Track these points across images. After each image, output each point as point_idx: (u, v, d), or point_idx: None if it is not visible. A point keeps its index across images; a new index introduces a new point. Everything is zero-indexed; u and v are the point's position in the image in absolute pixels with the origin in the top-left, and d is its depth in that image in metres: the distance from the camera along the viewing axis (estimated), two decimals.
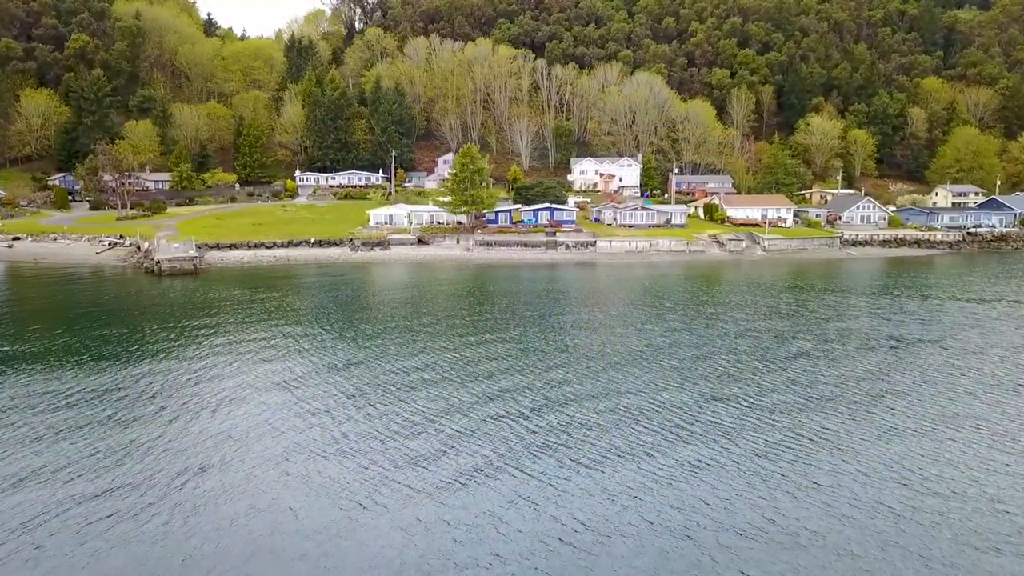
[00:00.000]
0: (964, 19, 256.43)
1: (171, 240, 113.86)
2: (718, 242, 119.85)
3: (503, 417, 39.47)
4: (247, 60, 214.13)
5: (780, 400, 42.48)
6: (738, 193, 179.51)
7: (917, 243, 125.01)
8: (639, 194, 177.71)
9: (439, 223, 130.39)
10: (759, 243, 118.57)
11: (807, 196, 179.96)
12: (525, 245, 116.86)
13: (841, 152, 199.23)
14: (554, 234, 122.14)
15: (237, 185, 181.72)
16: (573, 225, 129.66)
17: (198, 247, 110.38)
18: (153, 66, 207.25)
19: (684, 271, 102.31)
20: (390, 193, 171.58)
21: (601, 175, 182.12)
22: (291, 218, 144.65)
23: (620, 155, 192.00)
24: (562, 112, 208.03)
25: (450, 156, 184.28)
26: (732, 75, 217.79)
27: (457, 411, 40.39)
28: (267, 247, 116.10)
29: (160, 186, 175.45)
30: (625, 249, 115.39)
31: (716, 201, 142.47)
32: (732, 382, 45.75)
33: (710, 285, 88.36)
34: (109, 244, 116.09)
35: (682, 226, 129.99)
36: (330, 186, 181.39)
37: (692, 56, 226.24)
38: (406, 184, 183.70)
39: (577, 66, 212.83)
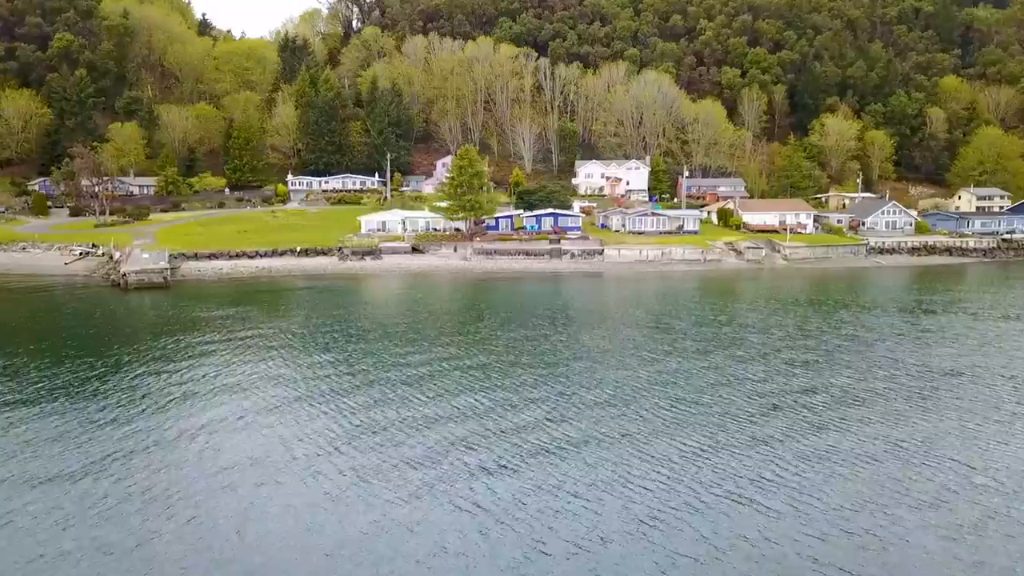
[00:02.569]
0: (981, 17, 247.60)
1: (146, 249, 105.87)
2: (735, 250, 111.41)
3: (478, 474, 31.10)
4: (239, 60, 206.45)
5: (822, 470, 33.83)
6: (751, 197, 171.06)
7: (948, 251, 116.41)
8: (647, 198, 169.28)
9: (436, 230, 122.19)
10: (779, 251, 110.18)
11: (824, 200, 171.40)
12: (527, 254, 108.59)
13: (858, 154, 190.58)
14: (558, 241, 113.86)
15: (227, 190, 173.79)
16: (578, 232, 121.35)
17: (174, 257, 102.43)
18: (141, 66, 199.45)
19: (699, 284, 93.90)
20: (386, 198, 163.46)
21: (607, 178, 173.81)
22: (280, 225, 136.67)
23: (627, 157, 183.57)
24: (566, 113, 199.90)
25: (449, 159, 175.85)
26: (743, 74, 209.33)
27: (426, 467, 32.02)
28: (249, 256, 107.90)
29: (145, 191, 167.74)
30: (635, 258, 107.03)
31: (731, 206, 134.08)
32: (756, 439, 36.90)
33: (728, 301, 79.83)
34: (80, 254, 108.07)
35: (695, 232, 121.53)
36: (323, 191, 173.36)
37: (701, 55, 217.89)
38: (403, 188, 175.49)
39: (582, 65, 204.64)
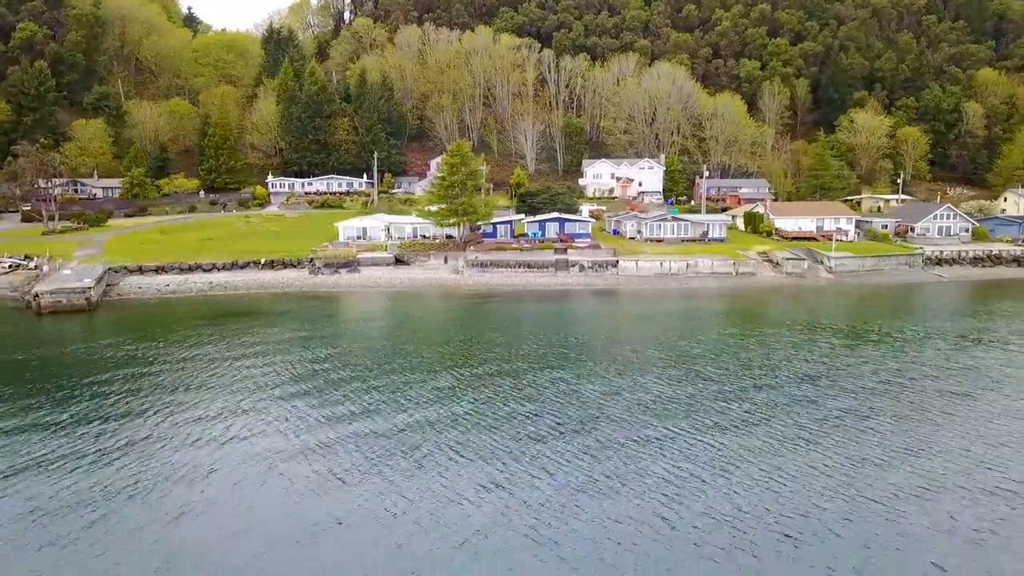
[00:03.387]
0: (1016, 8, 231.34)
1: (83, 261, 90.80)
2: (771, 261, 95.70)
3: None
4: (219, 53, 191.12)
5: None
6: (776, 199, 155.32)
7: (1016, 261, 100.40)
8: (662, 201, 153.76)
9: (424, 237, 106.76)
10: (823, 263, 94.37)
11: (856, 203, 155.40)
12: (529, 266, 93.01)
13: (890, 152, 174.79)
14: (565, 251, 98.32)
15: (202, 192, 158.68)
16: (588, 239, 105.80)
17: (114, 271, 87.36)
18: (113, 59, 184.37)
19: (731, 304, 78.31)
20: (373, 201, 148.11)
21: (618, 179, 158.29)
22: (251, 231, 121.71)
23: (639, 156, 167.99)
24: (572, 108, 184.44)
25: (442, 158, 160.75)
26: (763, 67, 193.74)
27: None
28: (205, 270, 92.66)
29: (110, 194, 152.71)
30: (655, 271, 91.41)
31: (760, 210, 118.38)
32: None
33: (769, 329, 63.98)
34: (9, 267, 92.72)
35: (722, 240, 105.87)
36: (306, 193, 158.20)
37: (717, 47, 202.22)
38: (393, 191, 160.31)
39: (589, 57, 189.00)
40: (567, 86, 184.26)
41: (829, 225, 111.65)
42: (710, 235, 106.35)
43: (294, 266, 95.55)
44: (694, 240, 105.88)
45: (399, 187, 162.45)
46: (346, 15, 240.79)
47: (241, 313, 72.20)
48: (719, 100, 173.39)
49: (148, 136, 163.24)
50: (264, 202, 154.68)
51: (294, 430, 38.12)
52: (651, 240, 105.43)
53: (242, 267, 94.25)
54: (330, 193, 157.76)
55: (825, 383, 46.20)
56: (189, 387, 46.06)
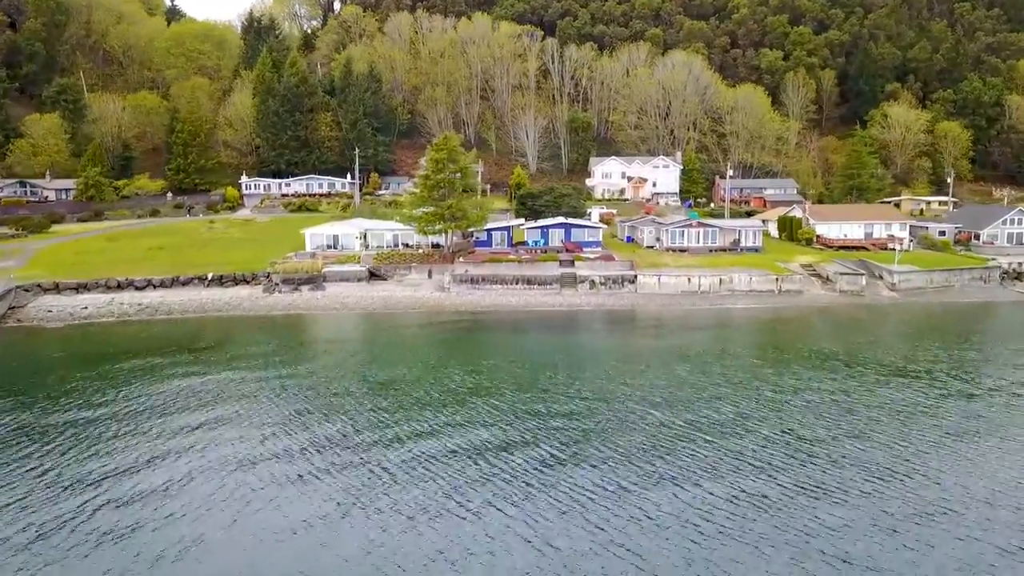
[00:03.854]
0: None
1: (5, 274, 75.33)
2: (820, 276, 79.72)
3: None
4: (193, 43, 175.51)
5: None
6: (805, 201, 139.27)
7: None
8: (678, 202, 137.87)
9: (407, 246, 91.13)
10: (883, 278, 78.34)
11: (895, 205, 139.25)
12: (529, 282, 77.20)
13: (928, 149, 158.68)
14: (571, 263, 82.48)
15: (169, 194, 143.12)
16: (599, 249, 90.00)
17: (24, 289, 71.65)
18: (76, 49, 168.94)
19: (781, 336, 62.41)
20: (355, 203, 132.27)
21: (630, 179, 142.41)
22: (211, 239, 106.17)
23: (652, 154, 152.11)
24: (578, 102, 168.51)
25: None
26: (785, 57, 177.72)
27: None
28: (138, 287, 77.04)
29: (65, 196, 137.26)
30: (681, 288, 75.56)
31: (797, 213, 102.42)
32: None
33: (846, 380, 47.82)
34: None
35: (756, 250, 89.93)
36: (283, 195, 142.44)
37: (734, 36, 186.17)
38: (380, 192, 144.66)
39: (596, 47, 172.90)
40: (572, 78, 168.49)
41: (879, 232, 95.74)
42: (742, 244, 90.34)
43: (247, 282, 79.81)
44: (723, 250, 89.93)
45: (386, 188, 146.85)
46: (336, 4, 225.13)
47: (163, 347, 56.32)
48: (739, 92, 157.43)
49: (110, 132, 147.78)
50: (235, 205, 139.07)
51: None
52: (673, 250, 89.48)
53: (184, 284, 78.50)
54: (309, 195, 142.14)
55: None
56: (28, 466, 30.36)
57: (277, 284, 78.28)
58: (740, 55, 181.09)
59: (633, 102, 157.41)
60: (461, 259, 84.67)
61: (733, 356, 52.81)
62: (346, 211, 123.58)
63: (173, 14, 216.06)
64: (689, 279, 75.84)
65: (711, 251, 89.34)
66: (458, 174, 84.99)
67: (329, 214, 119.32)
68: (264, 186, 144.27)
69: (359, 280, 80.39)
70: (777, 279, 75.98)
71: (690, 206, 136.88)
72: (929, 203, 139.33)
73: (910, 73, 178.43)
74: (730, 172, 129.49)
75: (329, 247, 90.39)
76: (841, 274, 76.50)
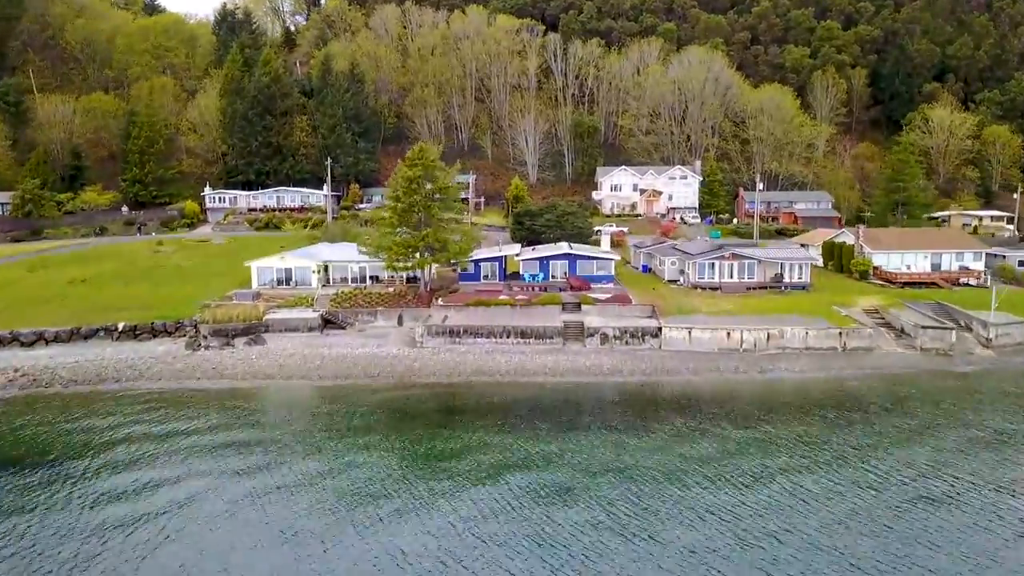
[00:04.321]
0: None
1: None
2: (891, 327, 62.96)
3: None
4: (160, 38, 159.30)
5: None
6: (842, 218, 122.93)
7: None
8: (697, 218, 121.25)
9: (377, 280, 74.82)
10: (971, 330, 61.58)
11: (943, 221, 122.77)
12: (523, 335, 60.65)
13: (974, 156, 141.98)
14: (578, 307, 65.95)
15: (125, 208, 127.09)
16: (611, 285, 73.54)
17: None
18: (28, 46, 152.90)
19: (853, 424, 45.84)
20: (328, 221, 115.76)
21: (642, 192, 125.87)
22: (152, 266, 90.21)
23: (667, 163, 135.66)
24: (583, 104, 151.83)
25: None
26: (812, 54, 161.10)
27: None
28: (24, 342, 60.67)
29: (2, 211, 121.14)
30: (719, 345, 59.02)
31: (848, 239, 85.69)
32: None
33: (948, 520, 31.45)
34: None
35: (804, 287, 73.24)
36: (250, 209, 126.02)
37: (755, 31, 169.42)
38: (360, 206, 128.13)
39: (603, 43, 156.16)
40: (577, 77, 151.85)
41: (948, 263, 79.10)
42: (786, 279, 73.67)
43: (168, 333, 63.34)
44: (763, 287, 73.28)
45: (368, 201, 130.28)
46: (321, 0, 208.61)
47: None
48: (764, 93, 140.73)
49: (58, 139, 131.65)
50: (195, 221, 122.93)
51: None
52: (701, 287, 72.85)
53: (87, 337, 62.07)
54: (279, 209, 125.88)
55: None
56: None
57: (205, 337, 61.87)
58: (762, 52, 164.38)
59: (645, 104, 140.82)
60: (441, 300, 68.16)
61: (817, 497, 36.24)
62: (317, 230, 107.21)
63: (152, 10, 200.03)
64: (729, 334, 59.16)
65: (748, 289, 72.64)
66: (437, 195, 68.37)
67: (294, 235, 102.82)
68: (230, 199, 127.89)
69: (310, 330, 63.89)
70: (841, 334, 59.19)
71: (711, 223, 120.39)
72: (981, 219, 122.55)
73: (950, 72, 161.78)
74: (760, 184, 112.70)
75: (281, 282, 73.95)
76: (923, 327, 59.63)
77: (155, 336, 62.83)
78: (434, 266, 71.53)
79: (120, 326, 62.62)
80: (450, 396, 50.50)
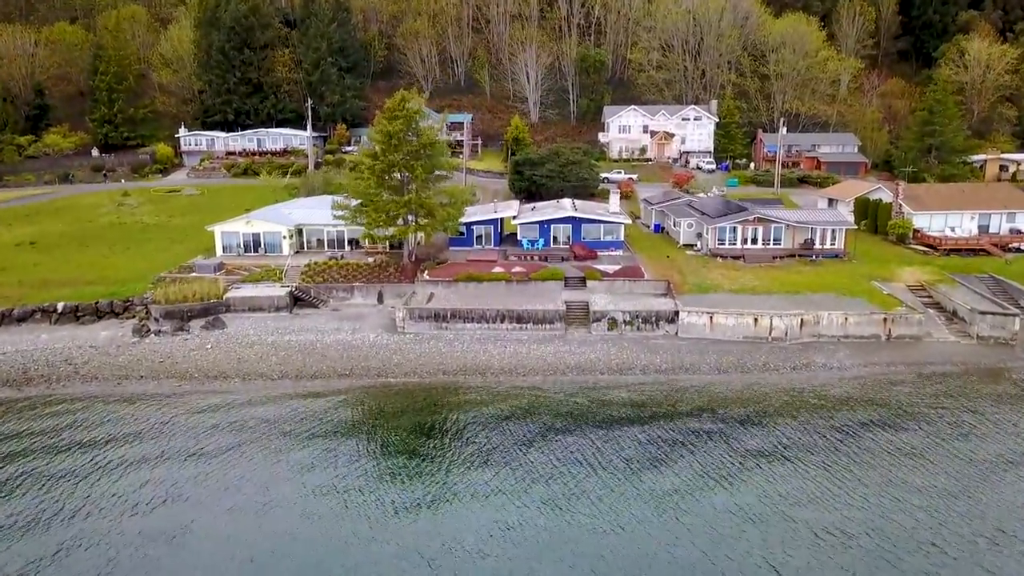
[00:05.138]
0: None
1: None
2: (939, 307, 54.93)
3: None
4: None
5: None
6: (869, 162, 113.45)
7: None
8: (712, 164, 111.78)
9: (358, 245, 66.65)
10: None
11: (978, 167, 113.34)
12: (519, 320, 52.87)
13: (1011, 93, 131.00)
14: (582, 283, 57.97)
15: (95, 151, 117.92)
16: (619, 252, 65.43)
17: None
18: None
19: (904, 427, 38.96)
20: (318, 164, 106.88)
21: (653, 134, 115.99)
22: (112, 224, 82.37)
23: (680, 101, 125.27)
24: (589, 35, 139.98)
25: (413, 104, 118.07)
26: None
27: None
28: None
29: None
30: (744, 333, 51.27)
31: (883, 196, 76.82)
32: None
33: None
34: None
35: (838, 256, 64.98)
36: (228, 153, 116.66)
37: None
38: (347, 148, 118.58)
39: None
40: (583, 5, 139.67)
41: (997, 224, 70.55)
42: (819, 245, 65.31)
43: (116, 314, 55.56)
44: (792, 255, 64.98)
45: (356, 143, 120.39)
46: None
47: None
48: (786, 23, 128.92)
49: (19, 75, 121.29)
50: (168, 166, 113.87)
51: None
52: (721, 255, 64.55)
53: (21, 320, 54.31)
54: (260, 153, 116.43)
55: None
56: None
57: (156, 320, 54.13)
58: None
59: (656, 36, 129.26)
60: (427, 273, 60.07)
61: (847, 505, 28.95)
62: (298, 178, 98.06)
63: None
64: (756, 319, 51.18)
65: (775, 258, 64.34)
66: (421, 153, 59.46)
67: (269, 184, 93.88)
68: (207, 142, 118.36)
69: (277, 310, 56.10)
70: (885, 320, 51.21)
71: (727, 169, 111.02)
72: (1020, 163, 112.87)
73: None
74: (783, 128, 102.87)
75: (249, 248, 65.81)
76: (980, 312, 51.54)
77: (100, 318, 55.06)
78: (418, 235, 63.12)
79: (60, 307, 54.75)
80: (430, 405, 42.89)
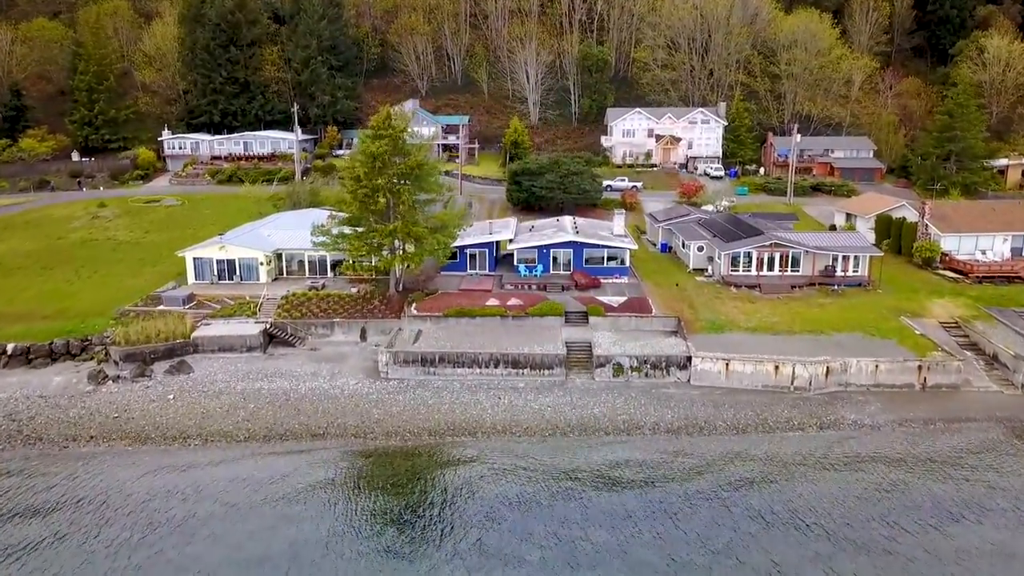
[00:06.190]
0: None
1: None
2: (979, 351, 49.90)
3: None
4: None
5: None
6: (885, 167, 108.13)
7: None
8: (720, 170, 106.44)
9: (341, 272, 61.54)
10: None
11: (999, 172, 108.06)
12: (516, 365, 47.85)
13: None
14: (584, 317, 52.97)
15: (76, 154, 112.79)
16: (626, 281, 60.39)
17: None
18: None
19: (961, 516, 33.84)
20: (306, 170, 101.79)
21: (658, 138, 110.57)
22: (83, 240, 77.70)
23: (686, 101, 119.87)
24: (591, 33, 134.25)
25: (408, 105, 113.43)
26: None
27: None
28: None
29: None
30: (762, 381, 46.28)
31: (908, 215, 71.62)
32: None
33: None
34: None
35: (862, 284, 59.88)
36: (213, 158, 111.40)
37: None
38: (339, 152, 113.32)
39: None
40: (585, 1, 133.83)
41: None
42: (841, 271, 60.23)
43: (73, 356, 50.58)
44: (812, 284, 59.90)
45: (347, 145, 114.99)
46: None
47: None
48: (797, 20, 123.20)
49: None
50: (150, 171, 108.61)
51: None
52: (733, 284, 59.51)
53: None
54: (246, 157, 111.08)
55: None
56: None
57: (116, 362, 49.16)
58: None
59: (662, 34, 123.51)
60: (415, 306, 55.01)
61: None
62: (286, 185, 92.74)
63: None
64: (777, 367, 46.16)
65: (793, 287, 59.27)
66: (409, 176, 54.31)
67: (252, 195, 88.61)
68: (191, 145, 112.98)
69: (250, 349, 51.09)
70: (920, 367, 46.20)
71: (735, 175, 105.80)
72: None
73: None
74: (797, 135, 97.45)
75: (224, 275, 60.73)
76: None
77: (54, 360, 50.10)
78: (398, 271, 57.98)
79: (10, 348, 49.77)
80: (411, 479, 37.80)
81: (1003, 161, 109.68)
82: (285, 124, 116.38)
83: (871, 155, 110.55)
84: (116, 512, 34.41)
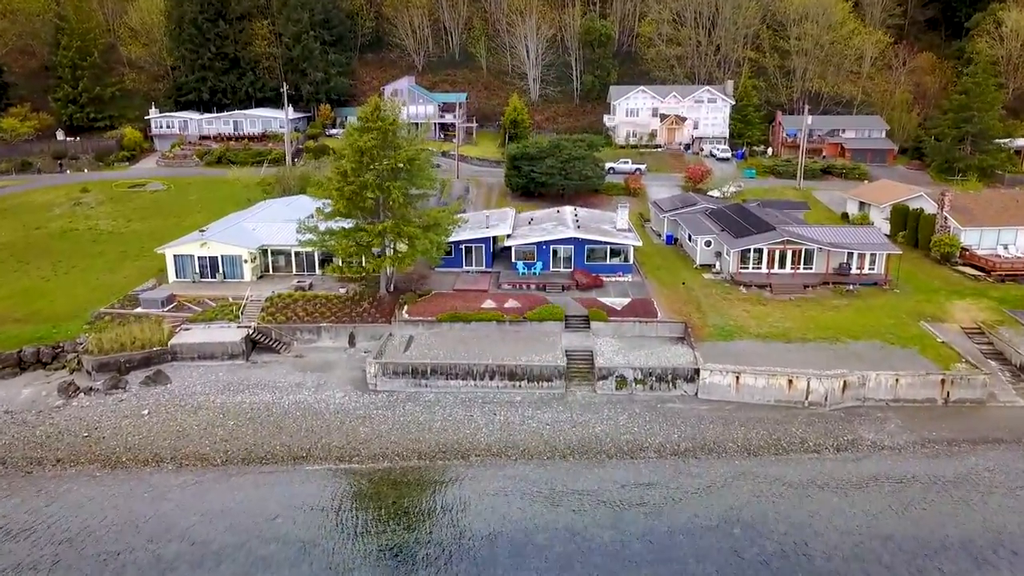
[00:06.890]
0: None
1: None
2: (1005, 360, 47.06)
3: None
4: None
5: None
6: (897, 148, 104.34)
7: None
8: (728, 152, 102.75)
9: (329, 275, 58.27)
10: None
11: (1013, 152, 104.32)
12: (512, 377, 45.00)
13: None
14: (586, 322, 50.05)
15: (60, 133, 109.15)
16: (629, 279, 57.30)
17: None
18: None
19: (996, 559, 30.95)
20: (298, 151, 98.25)
21: (663, 117, 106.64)
22: (63, 230, 74.66)
23: (691, 78, 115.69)
24: (594, 5, 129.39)
25: (404, 83, 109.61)
26: None
27: None
28: None
29: None
30: (775, 396, 43.51)
31: (925, 206, 68.25)
32: None
33: None
34: None
35: (878, 284, 56.81)
36: (202, 137, 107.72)
37: None
38: (332, 131, 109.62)
39: None
40: None
41: None
42: (856, 269, 57.13)
43: (44, 364, 47.80)
44: (825, 283, 56.85)
45: (341, 124, 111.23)
46: None
47: None
48: None
49: None
50: (137, 152, 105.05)
51: None
52: (742, 283, 56.47)
53: None
54: (236, 137, 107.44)
55: None
56: None
57: (88, 372, 46.38)
58: None
59: (667, 7, 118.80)
60: (407, 309, 52.02)
61: None
62: (276, 168, 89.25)
63: None
64: (790, 381, 43.28)
65: (806, 287, 56.20)
66: (400, 171, 51.00)
67: (239, 180, 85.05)
68: (180, 124, 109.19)
69: (232, 357, 48.26)
70: (943, 381, 43.33)
71: (743, 157, 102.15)
72: None
73: None
74: (808, 118, 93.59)
75: (204, 274, 57.65)
76: None
77: (23, 370, 47.34)
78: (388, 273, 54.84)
79: None
80: (398, 510, 35.10)
81: (1021, 141, 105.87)
82: (277, 102, 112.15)
83: (883, 135, 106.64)
84: (78, 554, 31.76)
